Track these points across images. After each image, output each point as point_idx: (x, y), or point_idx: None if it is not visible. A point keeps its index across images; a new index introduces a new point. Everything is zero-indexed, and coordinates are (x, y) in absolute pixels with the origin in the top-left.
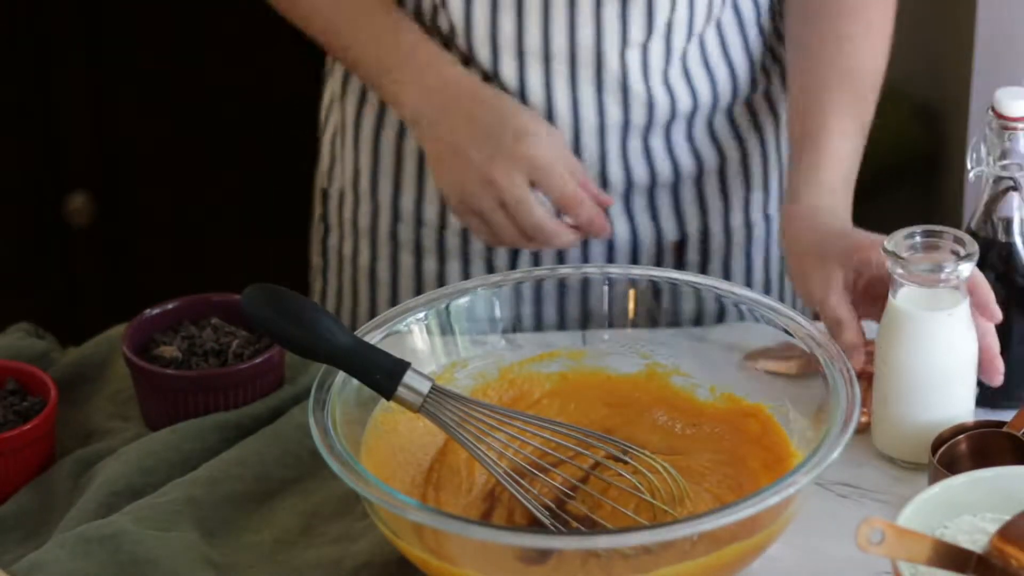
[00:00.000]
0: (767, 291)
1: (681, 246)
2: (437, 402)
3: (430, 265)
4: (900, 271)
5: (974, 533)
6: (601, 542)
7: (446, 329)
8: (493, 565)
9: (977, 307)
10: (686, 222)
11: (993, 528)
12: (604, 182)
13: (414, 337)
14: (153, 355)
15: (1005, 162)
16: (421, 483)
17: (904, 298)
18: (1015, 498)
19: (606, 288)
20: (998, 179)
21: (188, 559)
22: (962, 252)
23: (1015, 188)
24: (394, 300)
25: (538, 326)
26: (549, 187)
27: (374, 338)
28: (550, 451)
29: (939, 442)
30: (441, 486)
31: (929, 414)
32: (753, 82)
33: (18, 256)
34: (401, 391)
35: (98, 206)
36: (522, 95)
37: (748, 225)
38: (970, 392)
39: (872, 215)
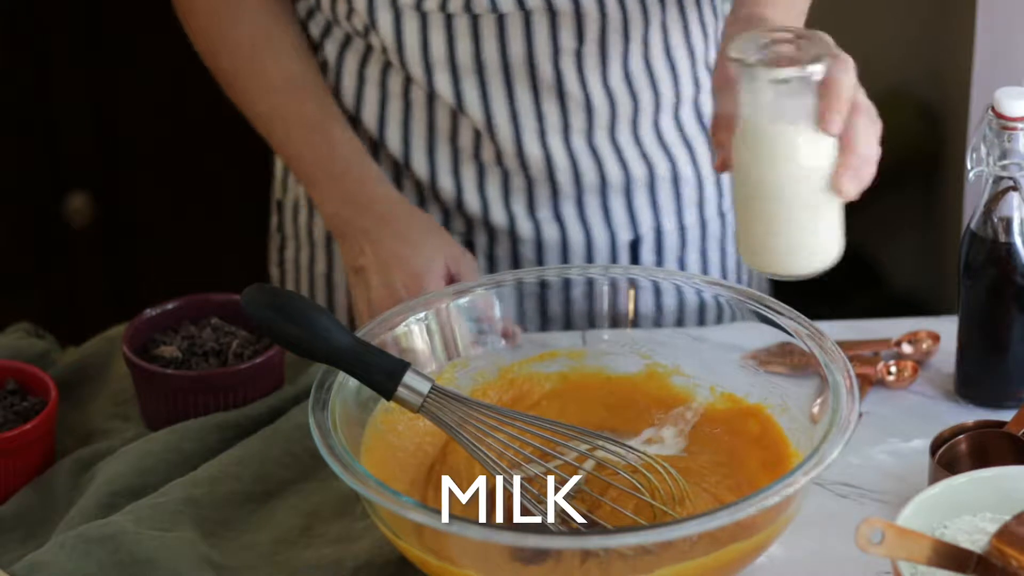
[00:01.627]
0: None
1: (635, 246)
2: (437, 402)
3: None
4: (747, 77)
5: (974, 533)
6: (600, 542)
7: (446, 329)
8: (493, 565)
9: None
10: (639, 223)
11: (993, 528)
12: (553, 184)
13: (414, 337)
14: (153, 355)
15: (1005, 162)
16: (421, 483)
17: (752, 107)
18: (1015, 498)
19: (606, 288)
20: (998, 179)
21: (188, 559)
22: (810, 52)
23: (1015, 188)
24: (351, 305)
25: (538, 326)
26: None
27: (375, 338)
28: (550, 451)
29: (939, 442)
30: (441, 486)
31: (795, 237)
32: (697, 83)
33: (18, 256)
34: (401, 391)
35: (98, 206)
36: (460, 107)
37: (703, 223)
38: (836, 211)
39: (872, 215)
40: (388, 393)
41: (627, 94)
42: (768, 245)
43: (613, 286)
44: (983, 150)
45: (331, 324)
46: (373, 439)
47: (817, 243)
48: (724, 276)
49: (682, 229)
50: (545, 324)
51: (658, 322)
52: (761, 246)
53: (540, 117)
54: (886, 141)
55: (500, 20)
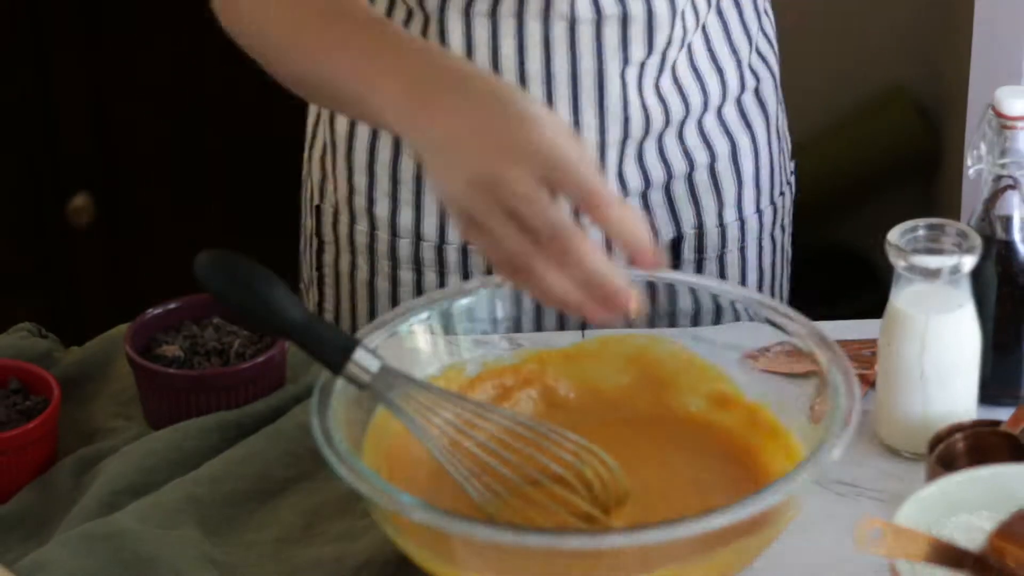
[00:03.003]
0: (761, 285)
1: (676, 245)
2: (385, 381)
3: (430, 279)
4: (902, 264)
5: (971, 532)
6: (600, 542)
7: (448, 330)
8: (494, 564)
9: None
10: (681, 221)
11: (990, 526)
12: None
13: (416, 338)
14: (155, 354)
15: (1004, 160)
16: (422, 482)
17: (906, 297)
18: (1012, 496)
19: None
20: (998, 177)
21: (190, 557)
22: (964, 245)
23: (1014, 187)
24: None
25: (539, 326)
26: (566, 181)
27: (376, 338)
28: (495, 434)
29: (936, 440)
30: (442, 485)
31: (931, 408)
32: (742, 82)
33: (20, 256)
34: (350, 368)
35: (99, 206)
36: None
37: (741, 220)
38: (972, 386)
39: (871, 214)
40: (337, 369)
41: (679, 100)
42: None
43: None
44: (983, 149)
45: (285, 297)
46: (374, 439)
47: None
48: (760, 274)
49: (722, 228)
50: (548, 324)
51: (659, 322)
52: (916, 429)
53: (602, 130)
54: (884, 140)
55: (572, 29)
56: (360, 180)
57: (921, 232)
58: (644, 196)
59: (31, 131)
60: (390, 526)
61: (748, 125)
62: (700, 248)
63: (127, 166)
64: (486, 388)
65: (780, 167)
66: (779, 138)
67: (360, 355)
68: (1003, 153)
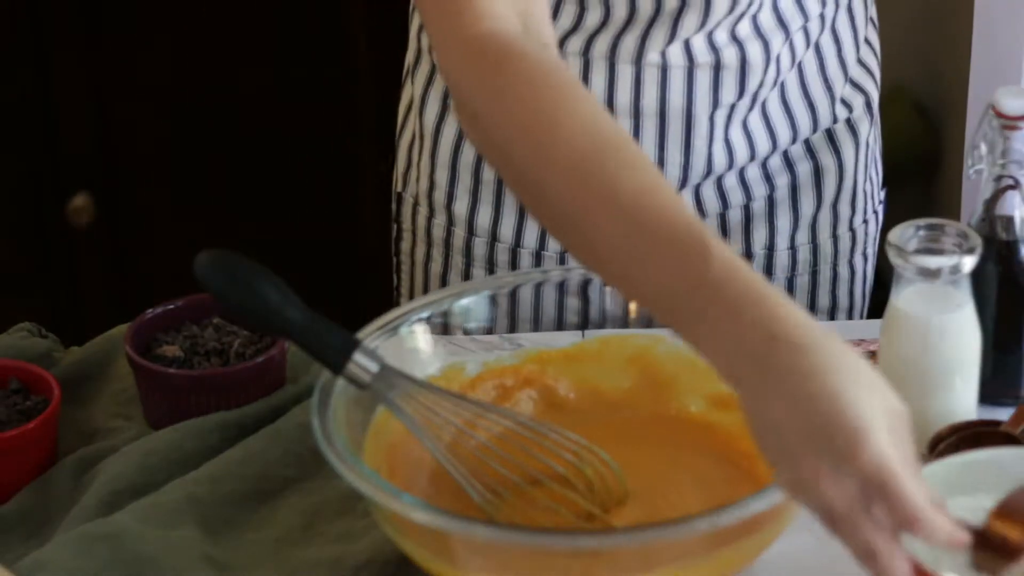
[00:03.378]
0: (833, 313)
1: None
2: (385, 381)
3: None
4: (903, 264)
5: (971, 511)
6: (601, 542)
7: (448, 330)
8: (495, 564)
9: None
10: (753, 241)
11: (990, 506)
12: None
13: (416, 338)
14: (155, 354)
15: (1005, 161)
16: (423, 482)
17: (906, 297)
18: (1011, 479)
19: (608, 289)
20: (998, 177)
21: (190, 557)
22: (965, 245)
23: (1015, 187)
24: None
25: (539, 326)
26: (888, 503)
27: (376, 339)
28: (496, 434)
29: (936, 440)
30: (443, 485)
31: (932, 409)
32: (834, 116)
33: (20, 256)
34: (350, 367)
35: (99, 206)
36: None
37: (814, 243)
38: (973, 386)
39: None
40: (337, 369)
41: (767, 136)
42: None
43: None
44: (983, 149)
45: (285, 297)
46: (375, 439)
47: None
48: (834, 301)
49: (793, 250)
50: (548, 325)
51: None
52: (917, 428)
53: (686, 166)
54: (884, 140)
55: (663, 72)
56: (442, 176)
57: (922, 232)
58: (721, 216)
59: (31, 131)
60: (390, 526)
61: (836, 149)
62: (769, 268)
63: (127, 166)
64: (486, 388)
65: (866, 194)
66: (867, 165)
67: (360, 355)
68: (1004, 153)
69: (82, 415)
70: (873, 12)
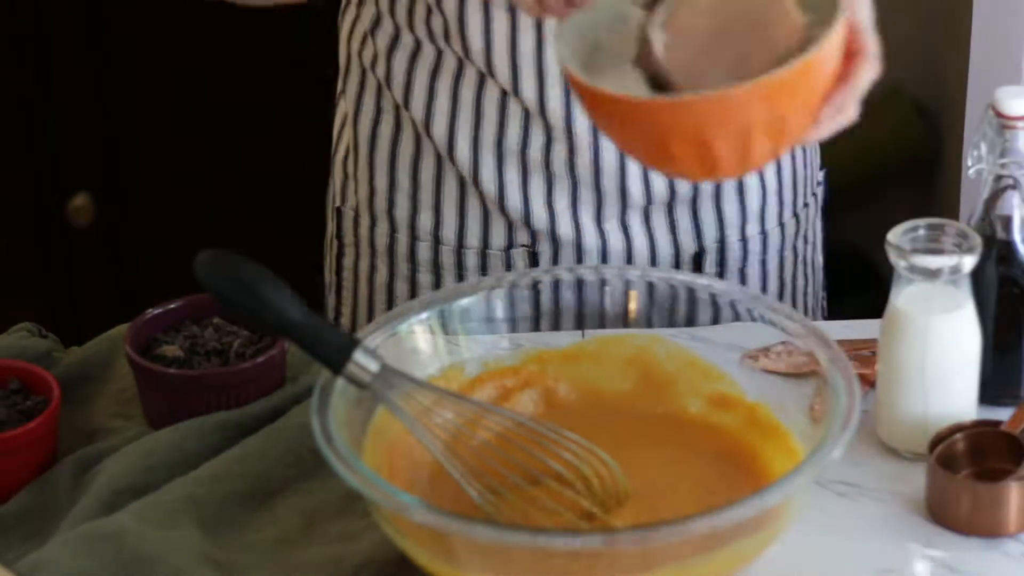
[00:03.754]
0: (781, 296)
1: (698, 260)
2: (385, 381)
3: (449, 282)
4: (903, 264)
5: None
6: (601, 542)
7: (448, 330)
8: (495, 564)
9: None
10: (704, 236)
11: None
12: (623, 195)
13: (416, 338)
14: (155, 354)
15: (1004, 160)
16: (423, 483)
17: (906, 297)
18: None
19: (608, 289)
20: (998, 177)
21: (190, 557)
22: (965, 245)
23: (1015, 186)
24: None
25: (539, 326)
26: None
27: (376, 339)
28: (500, 435)
29: (937, 440)
30: (443, 485)
31: (931, 408)
32: None
33: (20, 256)
34: (350, 368)
35: (99, 206)
36: (542, 113)
37: (764, 233)
38: (972, 387)
39: (870, 214)
40: (337, 368)
41: None
42: (921, 427)
43: (613, 286)
44: (983, 148)
45: (285, 297)
46: (375, 439)
47: None
48: (781, 285)
49: (744, 241)
50: (548, 325)
51: (659, 322)
52: (916, 429)
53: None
54: (883, 140)
55: None
56: (381, 182)
57: (921, 232)
58: (670, 208)
59: (31, 131)
60: (390, 526)
61: None
62: (722, 262)
63: (127, 166)
64: (486, 389)
65: (805, 179)
66: (804, 150)
67: (360, 355)
68: (1003, 153)
69: (82, 415)
70: None
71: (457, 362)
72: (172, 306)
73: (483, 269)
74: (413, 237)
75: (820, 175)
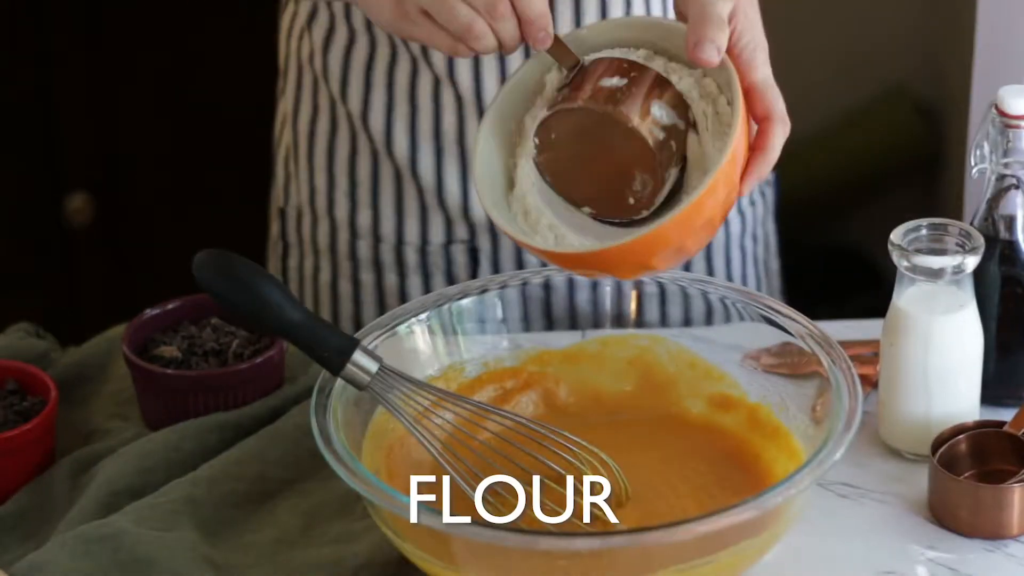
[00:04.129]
0: (744, 284)
1: None
2: (384, 382)
3: (391, 280)
4: (905, 264)
5: None
6: (601, 543)
7: (448, 331)
8: (494, 565)
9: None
10: None
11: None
12: None
13: (416, 338)
14: (153, 355)
15: (1008, 160)
16: (422, 483)
17: (908, 297)
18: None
19: (608, 289)
20: (1001, 176)
21: (188, 559)
22: (968, 245)
23: (1017, 186)
24: (357, 316)
25: (539, 326)
26: None
27: (376, 340)
28: (501, 436)
29: (939, 442)
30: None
31: (934, 409)
32: None
33: (18, 256)
34: (349, 368)
35: (98, 206)
36: (477, 101)
37: (725, 224)
38: (975, 387)
39: (872, 214)
40: (336, 369)
41: None
42: (923, 427)
43: (617, 287)
44: (986, 148)
45: (284, 297)
46: (374, 440)
47: None
48: (744, 278)
49: None
50: (548, 325)
51: (660, 323)
52: (919, 429)
53: None
54: (886, 140)
55: None
56: (320, 180)
57: (924, 232)
58: None
59: (30, 131)
60: (389, 527)
61: None
62: None
63: (127, 166)
64: (487, 391)
65: None
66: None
67: (359, 356)
68: (1006, 152)
69: (79, 416)
70: None
71: (457, 362)
72: (170, 306)
73: (424, 266)
74: (353, 235)
75: (771, 175)
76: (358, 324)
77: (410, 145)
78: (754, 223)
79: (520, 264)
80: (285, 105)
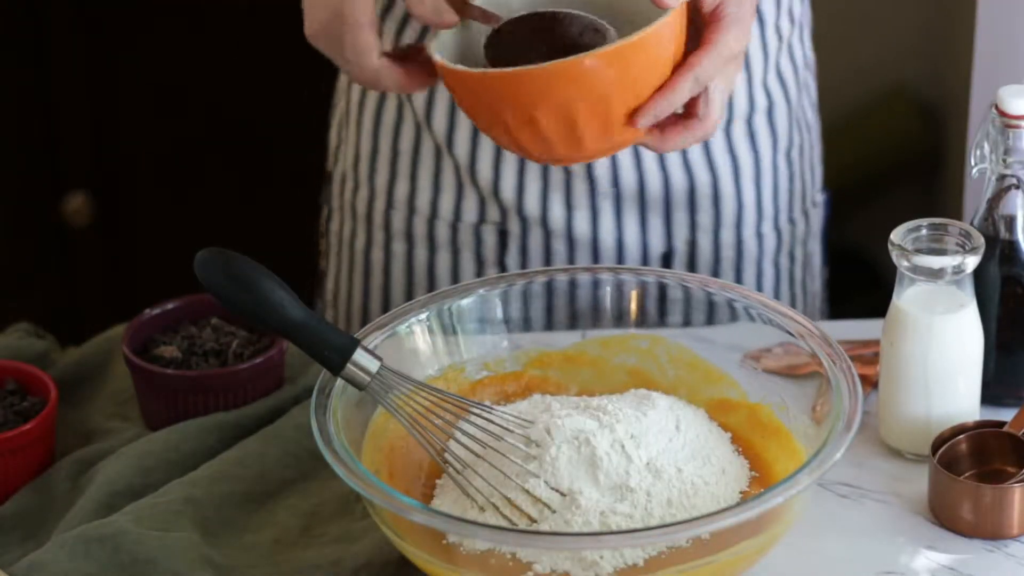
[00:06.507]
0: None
1: (667, 259)
2: (384, 382)
3: (420, 254)
4: (905, 264)
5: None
6: (601, 543)
7: (448, 330)
8: (493, 565)
9: None
10: (674, 236)
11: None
12: (591, 180)
13: (416, 338)
14: (153, 355)
15: (1008, 160)
16: (422, 483)
17: (908, 297)
18: None
19: (608, 289)
20: (1001, 177)
21: (188, 559)
22: (968, 245)
23: (1018, 186)
24: (386, 287)
25: (539, 326)
26: None
27: (375, 339)
28: (499, 436)
29: (939, 442)
30: (442, 486)
31: (934, 409)
32: (751, 101)
33: (18, 257)
34: (349, 368)
35: (97, 206)
36: None
37: (739, 242)
38: (975, 387)
39: (873, 213)
40: (336, 369)
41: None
42: (923, 428)
43: (617, 287)
44: (986, 148)
45: (284, 296)
46: (374, 440)
47: None
48: (777, 295)
49: (717, 246)
50: (548, 325)
51: (660, 322)
52: (919, 430)
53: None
54: (886, 139)
55: None
56: (365, 147)
57: (924, 232)
58: (641, 202)
59: (29, 130)
60: (389, 528)
61: (754, 147)
62: (691, 265)
63: (126, 166)
64: (487, 394)
65: (790, 193)
66: (789, 164)
67: (359, 355)
68: (1007, 152)
69: (79, 416)
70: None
71: (457, 362)
72: (170, 306)
73: (454, 243)
74: (389, 204)
75: (819, 196)
76: (386, 296)
77: (448, 122)
78: (792, 242)
79: (548, 251)
80: (343, 75)
